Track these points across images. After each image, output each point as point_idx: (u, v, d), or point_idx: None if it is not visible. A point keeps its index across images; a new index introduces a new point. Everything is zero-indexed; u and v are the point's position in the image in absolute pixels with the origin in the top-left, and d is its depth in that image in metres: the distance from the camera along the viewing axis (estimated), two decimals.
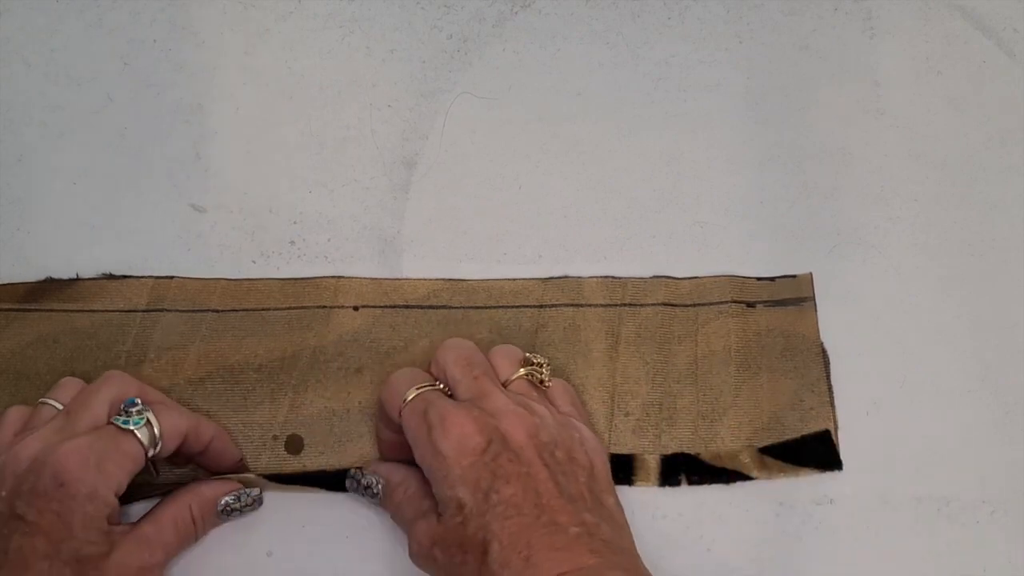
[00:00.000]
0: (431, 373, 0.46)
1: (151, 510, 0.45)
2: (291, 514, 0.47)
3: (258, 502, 0.47)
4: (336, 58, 0.59)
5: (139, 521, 0.44)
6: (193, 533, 0.45)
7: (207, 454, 0.46)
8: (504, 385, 0.45)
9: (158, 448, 0.44)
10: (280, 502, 0.48)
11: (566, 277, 0.53)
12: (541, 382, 0.46)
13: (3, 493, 0.41)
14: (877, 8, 0.61)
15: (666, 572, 0.46)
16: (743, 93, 0.58)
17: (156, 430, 0.43)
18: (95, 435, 0.42)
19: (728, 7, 0.61)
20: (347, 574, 0.46)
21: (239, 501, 0.46)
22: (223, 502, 0.46)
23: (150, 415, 0.44)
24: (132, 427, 0.43)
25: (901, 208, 0.55)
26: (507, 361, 0.47)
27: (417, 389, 0.44)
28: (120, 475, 0.42)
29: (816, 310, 0.52)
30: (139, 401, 0.44)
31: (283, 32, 0.60)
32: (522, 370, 0.46)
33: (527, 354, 0.47)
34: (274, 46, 0.59)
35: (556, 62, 0.59)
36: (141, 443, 0.43)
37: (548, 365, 0.47)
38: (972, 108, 0.58)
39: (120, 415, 0.43)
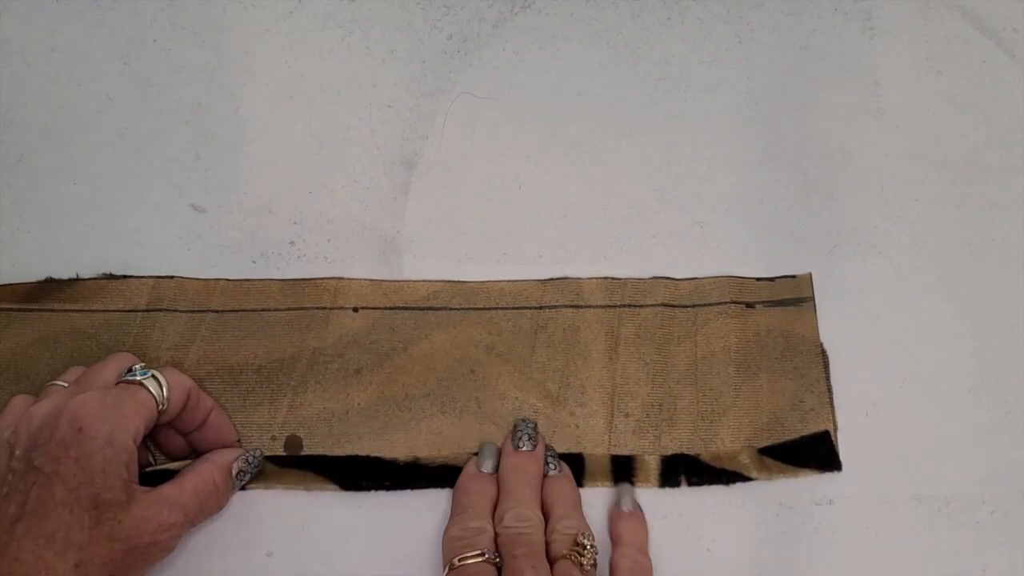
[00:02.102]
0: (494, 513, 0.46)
1: (174, 477, 0.45)
2: (291, 514, 0.47)
3: (261, 462, 0.48)
4: (336, 58, 0.59)
5: (161, 485, 0.44)
6: (216, 499, 0.45)
7: (207, 427, 0.47)
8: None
9: (166, 403, 0.44)
10: (280, 502, 0.48)
11: (565, 278, 0.53)
12: (581, 566, 0.44)
13: (18, 452, 0.41)
14: (877, 8, 0.61)
15: (666, 572, 0.46)
16: (743, 93, 0.58)
17: (163, 384, 0.44)
18: (107, 390, 0.44)
19: (728, 7, 0.61)
20: (347, 574, 0.46)
21: (248, 464, 0.47)
22: (236, 467, 0.46)
23: (155, 372, 0.45)
24: (139, 377, 0.44)
25: (901, 208, 0.55)
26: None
27: (459, 560, 0.43)
28: (136, 420, 0.43)
29: (816, 310, 0.52)
30: (143, 365, 0.46)
31: (283, 32, 0.60)
32: (565, 551, 0.44)
33: (579, 535, 0.44)
34: (274, 46, 0.59)
35: (556, 62, 0.59)
36: (151, 393, 0.44)
37: (594, 550, 0.44)
38: (972, 108, 0.58)
39: (127, 374, 0.45)
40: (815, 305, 0.52)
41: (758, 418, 0.49)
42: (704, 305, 0.52)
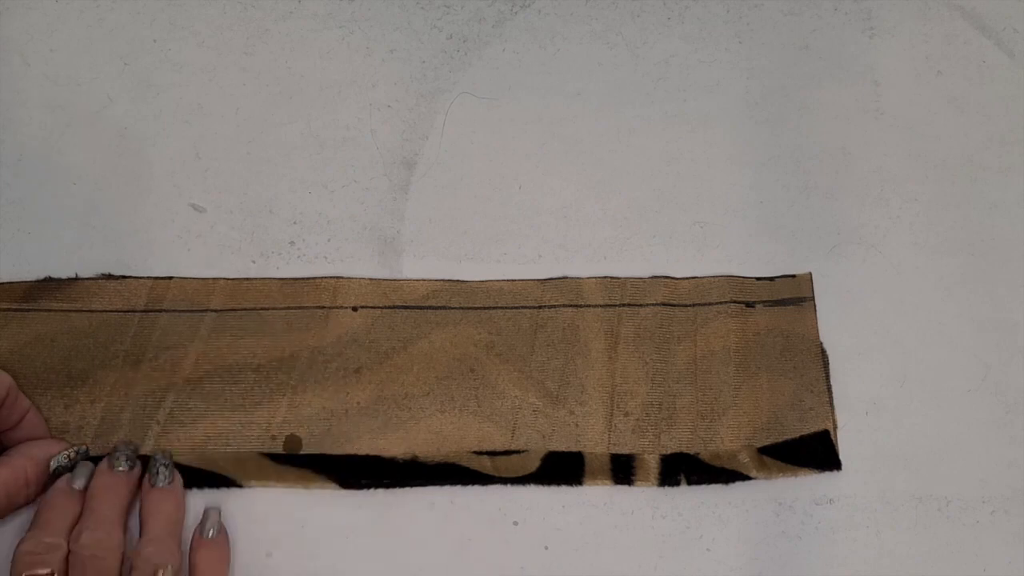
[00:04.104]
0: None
1: None
2: (291, 514, 0.47)
3: (84, 456, 0.47)
4: (336, 58, 0.59)
5: None
6: (24, 495, 0.45)
7: (21, 428, 0.46)
8: None
9: None
10: (280, 502, 0.48)
11: (565, 278, 0.53)
12: None
13: None
14: (877, 8, 0.61)
15: (666, 572, 0.46)
16: (743, 93, 0.58)
17: None
18: None
19: (728, 7, 0.61)
20: (347, 574, 0.46)
21: (70, 459, 0.46)
22: (55, 463, 0.46)
23: None
24: None
25: (901, 208, 0.55)
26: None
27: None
28: None
29: (816, 310, 0.52)
30: None
31: (283, 32, 0.60)
32: None
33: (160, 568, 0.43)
34: (274, 46, 0.59)
35: (556, 62, 0.59)
36: None
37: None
38: (972, 108, 0.58)
39: None
40: (815, 305, 0.52)
41: (758, 417, 0.49)
42: (704, 304, 0.52)
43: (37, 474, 0.45)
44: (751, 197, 0.56)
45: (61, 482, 0.46)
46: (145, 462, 0.47)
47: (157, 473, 0.46)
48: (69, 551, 0.43)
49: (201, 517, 0.46)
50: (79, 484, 0.46)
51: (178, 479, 0.47)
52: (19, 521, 0.46)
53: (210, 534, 0.45)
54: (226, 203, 0.55)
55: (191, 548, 0.45)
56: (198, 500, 0.47)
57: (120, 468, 0.46)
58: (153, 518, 0.45)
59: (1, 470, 0.44)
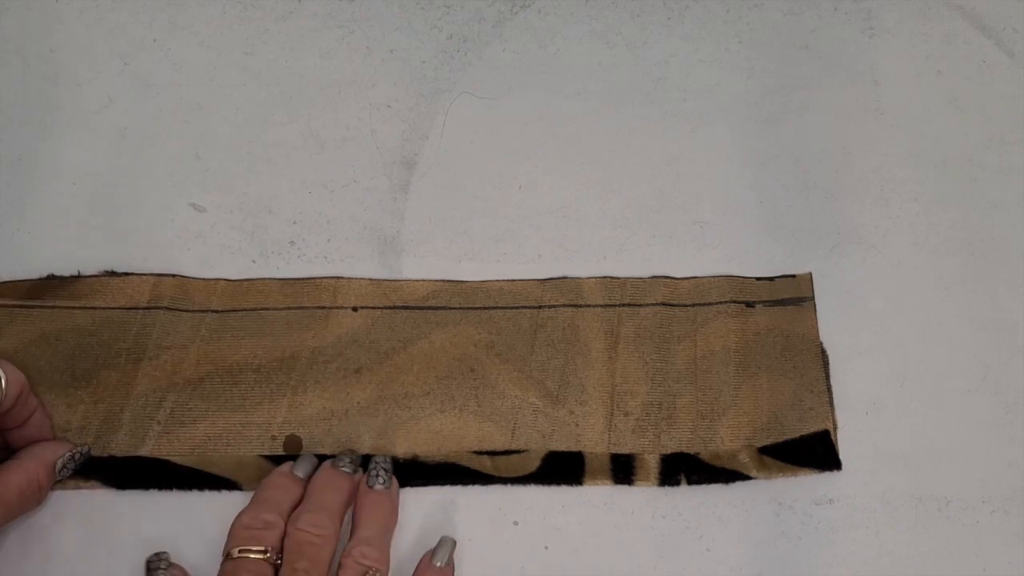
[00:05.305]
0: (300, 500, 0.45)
1: None
2: None
3: (87, 456, 0.47)
4: (336, 58, 0.59)
5: None
6: (38, 498, 0.45)
7: (28, 426, 0.46)
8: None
9: (3, 395, 0.43)
10: None
11: (565, 278, 0.53)
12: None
13: None
14: (877, 8, 0.61)
15: (666, 572, 0.46)
16: (743, 93, 0.58)
17: (1, 377, 0.43)
18: None
19: (728, 7, 0.61)
20: None
21: (74, 461, 0.46)
22: (60, 464, 0.46)
23: None
24: None
25: (901, 208, 0.55)
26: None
27: (240, 552, 0.42)
28: None
29: (815, 310, 0.52)
30: None
31: (283, 32, 0.60)
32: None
33: (372, 570, 0.43)
34: (274, 46, 0.59)
35: (556, 62, 0.59)
36: None
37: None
38: (972, 108, 0.58)
39: None
40: (815, 305, 0.52)
41: (758, 417, 0.49)
42: (704, 304, 0.52)
43: (47, 477, 0.45)
44: (751, 197, 0.56)
45: (284, 467, 0.46)
46: (365, 468, 0.47)
47: (376, 475, 0.46)
48: (285, 533, 0.43)
49: (437, 544, 0.45)
50: (301, 472, 0.46)
51: (395, 485, 0.46)
52: (21, 526, 0.46)
53: (440, 563, 0.44)
54: (226, 203, 0.55)
55: (417, 570, 0.44)
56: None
57: (344, 468, 0.46)
58: (367, 520, 0.45)
59: (17, 475, 0.44)
